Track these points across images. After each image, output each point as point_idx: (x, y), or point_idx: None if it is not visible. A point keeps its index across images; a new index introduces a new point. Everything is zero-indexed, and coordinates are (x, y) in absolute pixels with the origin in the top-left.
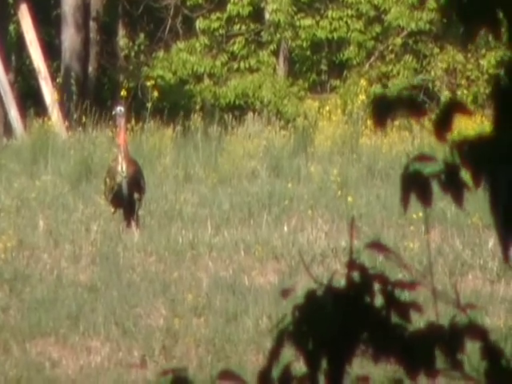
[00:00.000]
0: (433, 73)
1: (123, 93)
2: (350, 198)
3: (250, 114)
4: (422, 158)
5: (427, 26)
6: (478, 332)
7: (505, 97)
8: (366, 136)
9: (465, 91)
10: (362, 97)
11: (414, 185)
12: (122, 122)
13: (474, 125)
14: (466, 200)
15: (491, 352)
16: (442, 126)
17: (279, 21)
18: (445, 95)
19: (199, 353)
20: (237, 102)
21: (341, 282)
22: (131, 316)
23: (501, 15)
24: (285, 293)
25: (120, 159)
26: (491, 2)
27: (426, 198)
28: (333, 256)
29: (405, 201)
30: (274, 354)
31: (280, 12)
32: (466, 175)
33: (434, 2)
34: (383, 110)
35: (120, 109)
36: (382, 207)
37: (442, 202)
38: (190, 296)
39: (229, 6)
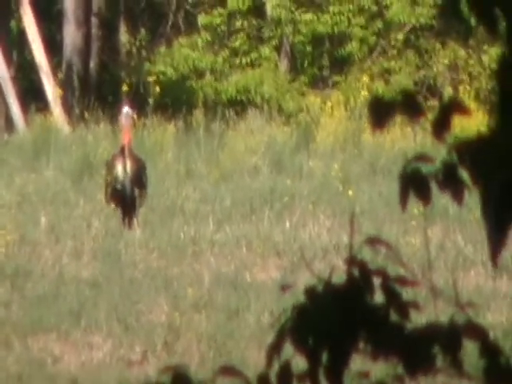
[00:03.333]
0: (435, 68)
1: (125, 88)
2: (351, 194)
3: (252, 110)
4: (421, 158)
5: (429, 21)
6: (477, 330)
7: (506, 98)
8: (368, 132)
9: (467, 87)
10: (365, 93)
11: (413, 184)
12: (128, 123)
13: (476, 120)
14: (468, 196)
15: (490, 350)
16: (441, 126)
17: (280, 16)
18: (447, 91)
19: (201, 348)
20: (238, 98)
21: (342, 277)
22: (133, 312)
23: (498, 13)
24: (284, 288)
25: (123, 159)
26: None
27: (424, 197)
28: (335, 252)
29: (403, 200)
30: (274, 350)
31: (281, 7)
32: (464, 174)
33: None
34: (380, 112)
35: (127, 110)
36: (384, 203)
37: (443, 198)
38: (192, 292)
39: (229, 1)
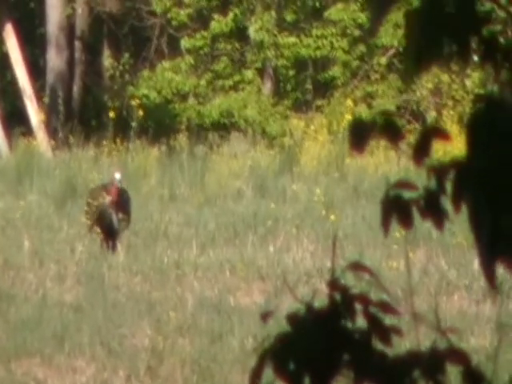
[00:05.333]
0: (418, 93)
1: (111, 114)
2: (334, 218)
3: (236, 134)
4: (402, 184)
5: None
6: (459, 356)
7: (479, 127)
8: (351, 156)
9: (451, 111)
10: (349, 116)
11: (395, 209)
12: (116, 189)
13: (459, 145)
14: (452, 220)
15: (472, 375)
16: (421, 151)
17: (263, 39)
18: (430, 115)
19: (184, 373)
20: (221, 121)
21: (325, 302)
22: (116, 336)
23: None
24: (264, 316)
25: (110, 206)
26: (462, 28)
27: (406, 222)
28: (318, 276)
29: (385, 225)
30: (256, 375)
31: (263, 31)
32: (446, 200)
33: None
34: (360, 134)
35: (118, 176)
36: (367, 227)
37: (426, 222)
38: (175, 316)
39: (212, 24)
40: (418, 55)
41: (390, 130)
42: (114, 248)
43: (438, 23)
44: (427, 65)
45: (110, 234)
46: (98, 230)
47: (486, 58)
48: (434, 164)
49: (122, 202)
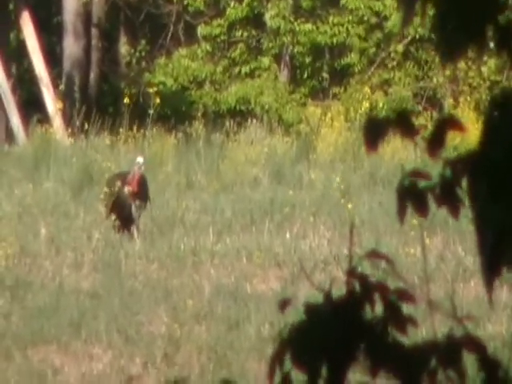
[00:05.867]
0: (435, 80)
1: (126, 100)
2: (350, 205)
3: (252, 121)
4: (416, 174)
5: (428, 32)
6: (475, 344)
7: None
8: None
9: (468, 98)
10: (366, 104)
11: (410, 197)
12: (138, 173)
13: (476, 132)
14: (468, 207)
15: (488, 363)
16: (435, 142)
17: (279, 26)
18: (447, 102)
19: (201, 360)
20: (238, 108)
21: (342, 289)
22: (133, 323)
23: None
24: (283, 305)
25: (130, 195)
26: (477, 16)
27: (422, 210)
28: (335, 263)
29: (401, 213)
30: (275, 363)
31: (279, 17)
32: (461, 190)
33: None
34: (374, 133)
35: (141, 160)
36: (384, 214)
37: (443, 209)
38: (192, 303)
39: (228, 11)
40: (446, 45)
41: (404, 126)
42: (131, 235)
43: (455, 11)
44: (458, 54)
45: (128, 223)
46: (114, 217)
47: (501, 46)
48: (450, 157)
49: (142, 190)
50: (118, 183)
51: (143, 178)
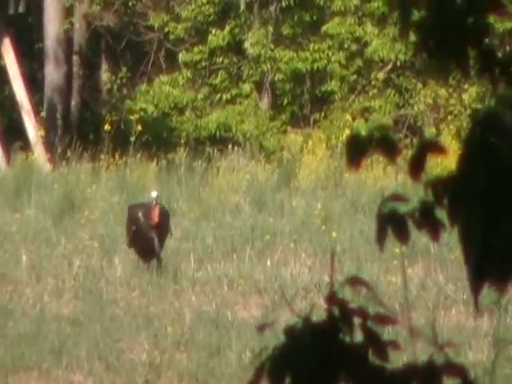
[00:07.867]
0: (416, 107)
1: (107, 127)
2: (333, 233)
3: (234, 148)
4: (395, 197)
5: (408, 58)
6: (457, 370)
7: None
8: (350, 171)
9: (451, 126)
10: (347, 131)
11: (390, 223)
12: (158, 210)
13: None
14: (449, 234)
15: None
16: (417, 165)
17: (259, 54)
18: (429, 131)
19: None
20: (219, 134)
21: (323, 316)
22: (114, 350)
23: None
24: (261, 328)
25: (152, 229)
26: (460, 40)
27: (402, 236)
28: (316, 290)
29: (381, 240)
30: None
31: (259, 45)
32: (441, 213)
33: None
34: (357, 151)
35: (155, 195)
36: (365, 241)
37: (424, 237)
38: (173, 330)
39: (210, 38)
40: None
41: (386, 145)
42: (158, 265)
43: (438, 36)
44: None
45: (149, 256)
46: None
47: (483, 71)
48: (431, 179)
49: (164, 222)
50: (140, 214)
51: (164, 210)
